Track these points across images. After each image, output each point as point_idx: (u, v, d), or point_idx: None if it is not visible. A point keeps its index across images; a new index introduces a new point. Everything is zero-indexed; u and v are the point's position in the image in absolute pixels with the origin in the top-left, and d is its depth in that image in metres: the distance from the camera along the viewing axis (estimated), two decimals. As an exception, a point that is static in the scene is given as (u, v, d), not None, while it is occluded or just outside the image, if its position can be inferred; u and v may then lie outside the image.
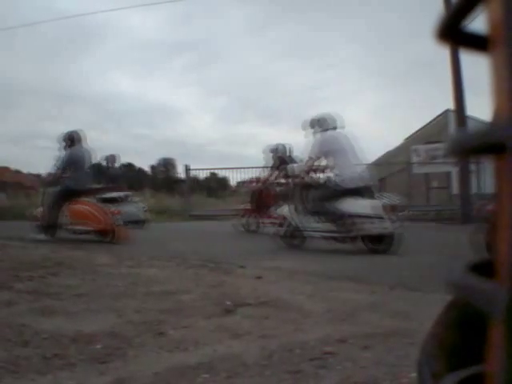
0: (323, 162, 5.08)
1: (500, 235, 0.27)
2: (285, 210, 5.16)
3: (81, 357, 1.72)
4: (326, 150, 4.96)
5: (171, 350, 1.82)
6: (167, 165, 44.44)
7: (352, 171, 4.82)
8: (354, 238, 4.74)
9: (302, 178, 5.12)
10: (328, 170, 5.08)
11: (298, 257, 4.61)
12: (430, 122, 17.43)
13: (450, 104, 11.09)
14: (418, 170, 12.83)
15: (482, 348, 0.31)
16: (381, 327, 2.06)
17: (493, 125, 0.26)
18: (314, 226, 4.92)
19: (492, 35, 0.26)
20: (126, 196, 8.56)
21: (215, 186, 15.14)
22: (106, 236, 5.93)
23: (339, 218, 4.69)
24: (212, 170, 16.07)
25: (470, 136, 0.26)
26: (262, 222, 7.16)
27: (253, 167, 13.75)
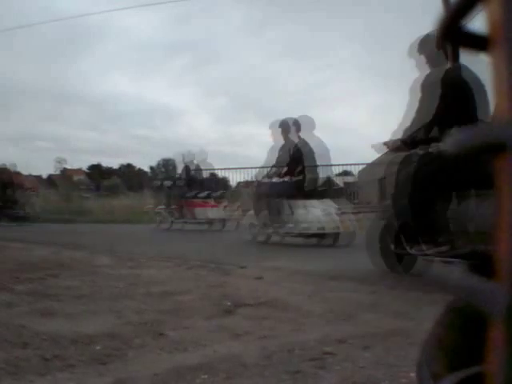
0: None
1: (500, 235, 0.27)
2: None
3: (80, 358, 1.72)
4: None
5: (171, 350, 1.82)
6: (167, 165, 44.43)
7: None
8: None
9: None
10: None
11: (299, 257, 4.60)
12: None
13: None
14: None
15: (482, 348, 0.31)
16: (380, 327, 2.06)
17: (493, 124, 0.26)
18: None
19: (492, 35, 0.26)
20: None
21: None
22: None
23: None
24: (212, 171, 16.08)
25: (470, 135, 0.26)
26: None
27: (253, 167, 13.75)
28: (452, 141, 0.28)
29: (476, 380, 0.34)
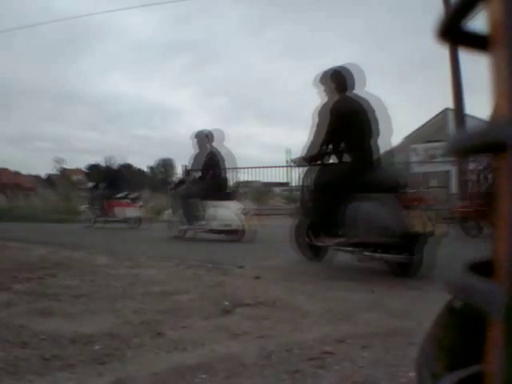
0: None
1: (499, 235, 0.27)
2: None
3: (80, 358, 1.72)
4: None
5: (170, 350, 1.82)
6: (166, 165, 44.46)
7: None
8: None
9: None
10: None
11: (297, 257, 4.60)
12: (429, 120, 17.46)
13: (449, 103, 11.14)
14: (417, 169, 12.86)
15: (481, 348, 0.31)
16: (380, 327, 2.06)
17: (493, 124, 0.26)
18: None
19: (492, 35, 0.26)
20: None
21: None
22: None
23: None
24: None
25: (470, 135, 0.26)
26: None
27: (252, 167, 13.75)
28: (453, 140, 0.28)
29: (475, 379, 0.34)
